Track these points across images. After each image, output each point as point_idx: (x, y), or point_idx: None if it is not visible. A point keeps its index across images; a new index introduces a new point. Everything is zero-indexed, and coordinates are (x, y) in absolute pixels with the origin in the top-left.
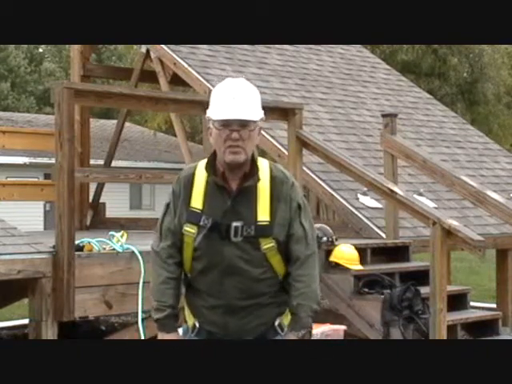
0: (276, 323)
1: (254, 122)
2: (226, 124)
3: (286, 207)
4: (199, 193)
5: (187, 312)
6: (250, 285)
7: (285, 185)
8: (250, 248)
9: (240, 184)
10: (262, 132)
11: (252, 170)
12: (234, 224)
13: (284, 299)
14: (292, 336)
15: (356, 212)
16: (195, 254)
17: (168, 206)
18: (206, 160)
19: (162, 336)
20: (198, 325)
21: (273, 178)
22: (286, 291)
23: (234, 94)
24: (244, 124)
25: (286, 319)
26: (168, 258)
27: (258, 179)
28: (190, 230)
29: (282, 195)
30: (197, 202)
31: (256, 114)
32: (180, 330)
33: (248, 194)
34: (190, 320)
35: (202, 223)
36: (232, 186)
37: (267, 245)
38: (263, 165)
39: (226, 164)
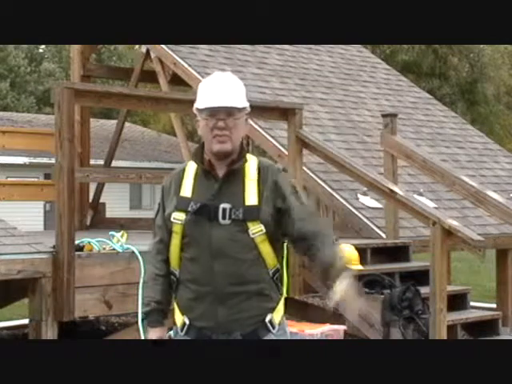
0: (267, 319)
1: (240, 110)
2: (212, 113)
3: (273, 193)
4: (189, 183)
5: (176, 311)
6: (239, 270)
7: (271, 170)
8: (239, 232)
9: (228, 168)
10: (262, 132)
11: (239, 156)
12: (222, 206)
13: (274, 296)
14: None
15: (356, 212)
16: (184, 242)
17: (159, 204)
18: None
19: (148, 331)
20: (187, 322)
21: (260, 164)
22: (278, 287)
23: (219, 84)
24: (230, 112)
25: (277, 316)
26: (157, 255)
27: (245, 161)
28: (178, 217)
29: (269, 179)
30: (186, 191)
31: (241, 101)
32: (171, 333)
33: (236, 177)
34: (179, 319)
35: (190, 209)
36: (219, 172)
37: (256, 229)
38: (251, 156)
39: (212, 154)
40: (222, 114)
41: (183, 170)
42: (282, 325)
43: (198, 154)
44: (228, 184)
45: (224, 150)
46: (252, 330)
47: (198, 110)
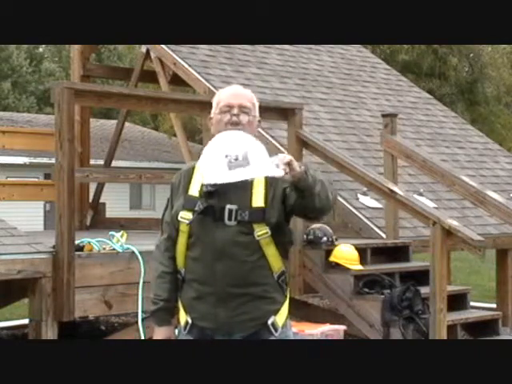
0: (269, 322)
1: (253, 110)
2: (226, 109)
3: (279, 185)
4: (198, 182)
5: (180, 310)
6: (242, 272)
7: None
8: (244, 233)
9: None
10: (262, 132)
11: None
12: (228, 207)
13: (279, 298)
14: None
15: (356, 212)
16: (190, 241)
17: (168, 200)
18: None
19: (155, 330)
20: (190, 321)
21: None
22: (283, 290)
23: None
24: (244, 109)
25: (280, 318)
26: (165, 252)
27: None
28: (185, 216)
29: (279, 183)
30: (194, 190)
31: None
32: (175, 331)
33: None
34: (183, 318)
35: (197, 208)
36: None
37: (261, 231)
38: None
39: None
40: (236, 110)
41: (193, 168)
42: (285, 328)
43: None
44: (236, 185)
45: None
46: (253, 332)
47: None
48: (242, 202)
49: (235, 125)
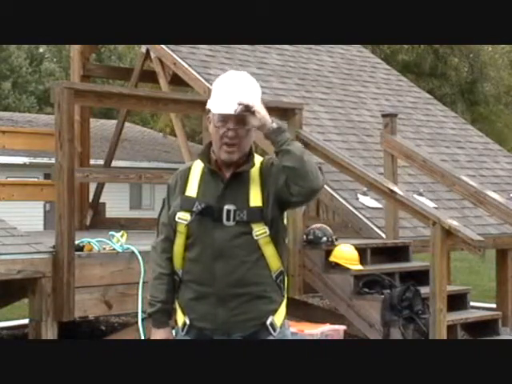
0: (268, 322)
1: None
2: (223, 120)
3: (273, 174)
4: (195, 182)
5: (178, 311)
6: (241, 271)
7: (272, 164)
8: (242, 233)
9: (234, 170)
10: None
11: (247, 159)
12: (227, 207)
13: (276, 298)
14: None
15: (356, 212)
16: (188, 242)
17: (164, 201)
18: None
19: (153, 331)
20: (188, 322)
21: (263, 164)
22: (281, 289)
23: (233, 87)
24: (242, 120)
25: (278, 318)
26: (162, 253)
27: (253, 165)
28: (182, 217)
29: (271, 174)
30: (192, 190)
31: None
32: (173, 332)
33: (241, 180)
34: (181, 319)
35: (194, 209)
36: (226, 173)
37: (260, 231)
38: (258, 157)
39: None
40: (233, 123)
41: (189, 168)
42: (283, 328)
43: (205, 152)
44: (233, 185)
45: (231, 160)
46: (252, 332)
47: (210, 110)
48: (239, 202)
49: (231, 139)
